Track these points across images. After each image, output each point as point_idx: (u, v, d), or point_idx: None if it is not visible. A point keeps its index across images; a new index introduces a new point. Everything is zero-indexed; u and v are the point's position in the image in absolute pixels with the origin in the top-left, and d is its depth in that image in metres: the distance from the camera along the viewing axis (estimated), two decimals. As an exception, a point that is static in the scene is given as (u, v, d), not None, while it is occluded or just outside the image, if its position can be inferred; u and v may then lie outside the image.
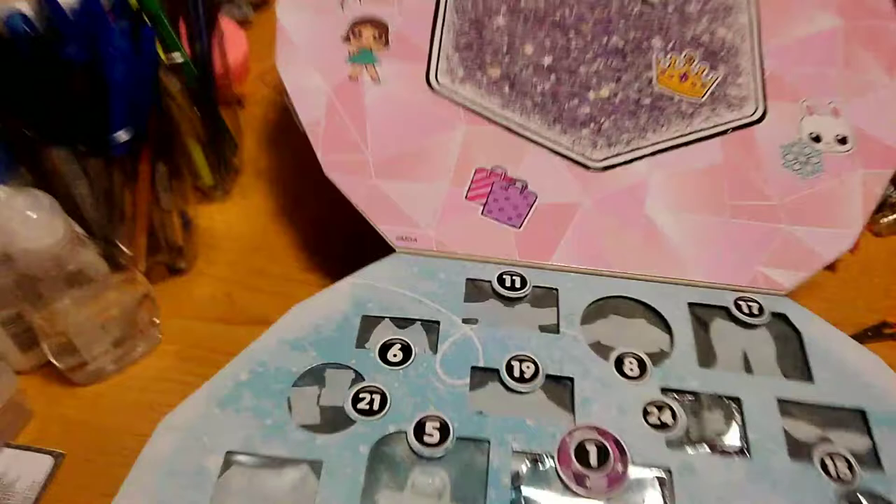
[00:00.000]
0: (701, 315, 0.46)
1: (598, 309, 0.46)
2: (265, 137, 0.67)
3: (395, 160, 0.51)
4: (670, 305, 0.46)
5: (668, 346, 0.45)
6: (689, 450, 0.40)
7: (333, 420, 0.40)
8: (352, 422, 0.40)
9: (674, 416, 0.41)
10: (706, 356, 0.44)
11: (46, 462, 0.45)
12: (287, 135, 0.68)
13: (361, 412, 0.40)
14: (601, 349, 0.44)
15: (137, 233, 0.51)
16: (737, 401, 0.42)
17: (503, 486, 0.38)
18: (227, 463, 0.38)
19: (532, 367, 0.42)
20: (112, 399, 0.48)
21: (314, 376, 0.42)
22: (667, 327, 0.45)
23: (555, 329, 0.45)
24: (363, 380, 0.42)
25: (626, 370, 0.43)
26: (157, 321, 0.51)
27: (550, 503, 0.38)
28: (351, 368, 0.42)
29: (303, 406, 0.41)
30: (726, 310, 0.46)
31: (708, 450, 0.40)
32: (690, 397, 0.42)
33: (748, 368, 0.44)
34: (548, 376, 0.42)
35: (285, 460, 0.38)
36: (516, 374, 0.42)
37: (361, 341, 0.44)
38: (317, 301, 0.45)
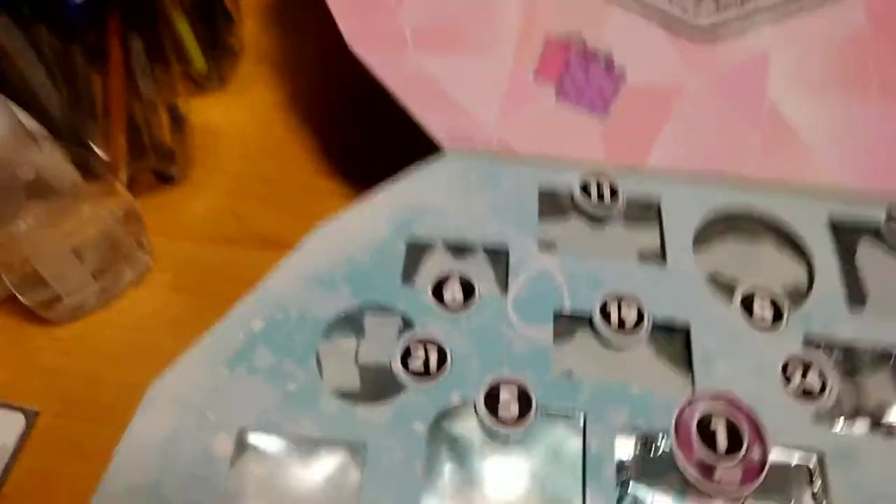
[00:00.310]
0: (843, 237, 0.35)
1: (712, 229, 0.35)
2: (269, 11, 0.54)
3: (440, 27, 0.38)
4: (805, 223, 0.35)
5: (805, 280, 0.34)
6: (845, 427, 0.30)
7: (377, 384, 0.31)
8: (401, 387, 0.30)
9: (822, 379, 0.31)
10: (856, 295, 0.34)
11: (17, 421, 0.36)
12: (297, 6, 0.54)
13: (414, 374, 0.31)
14: (722, 285, 0.33)
15: (114, 131, 0.39)
16: (904, 357, 0.32)
17: (606, 479, 0.29)
18: (240, 445, 0.29)
19: (635, 310, 0.32)
20: (94, 342, 0.38)
21: (350, 323, 0.32)
22: (802, 254, 0.35)
23: (660, 257, 0.34)
24: (413, 327, 0.32)
25: (758, 314, 0.32)
26: (146, 243, 0.40)
27: (672, 501, 0.29)
28: (397, 312, 0.32)
29: (337, 365, 0.31)
30: (876, 230, 0.35)
31: (869, 426, 0.31)
32: (841, 352, 0.32)
33: (909, 310, 0.34)
34: (656, 324, 0.32)
35: (316, 442, 0.29)
36: (614, 320, 0.32)
37: (408, 275, 0.33)
38: (346, 221, 0.34)
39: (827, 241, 0.34)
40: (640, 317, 0.32)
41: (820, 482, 0.29)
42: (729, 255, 0.34)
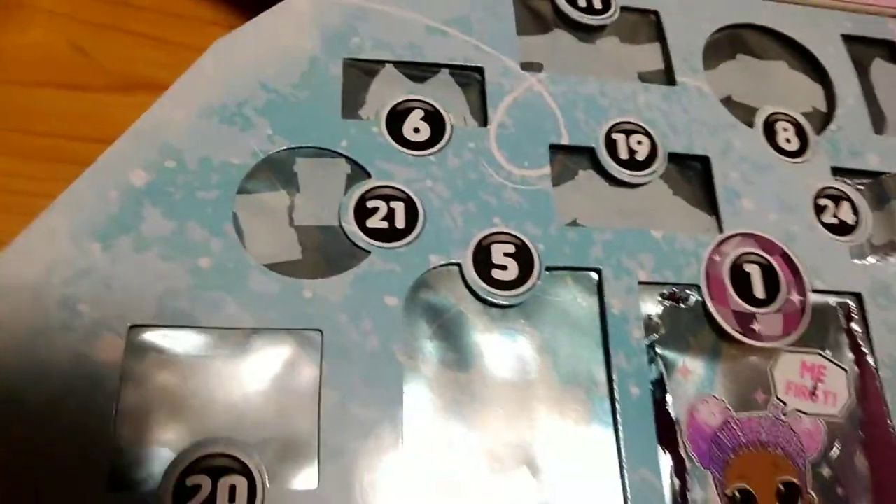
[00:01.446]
0: (856, 54, 0.30)
1: (719, 45, 0.29)
2: None
3: None
4: (818, 38, 0.29)
5: (823, 101, 0.29)
6: (877, 261, 0.26)
7: (326, 251, 0.22)
8: (363, 253, 0.22)
9: (855, 210, 0.26)
10: (875, 116, 0.29)
11: None
12: None
13: (375, 234, 0.22)
14: (738, 108, 0.27)
15: None
16: (936, 183, 0.28)
17: (633, 342, 0.22)
18: (133, 347, 0.20)
19: (646, 141, 0.25)
20: None
21: (275, 172, 0.23)
22: (818, 73, 0.29)
23: (664, 77, 0.27)
24: (367, 175, 0.23)
25: (782, 141, 0.27)
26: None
27: (705, 364, 0.23)
28: (342, 155, 0.23)
29: (264, 228, 0.22)
30: (889, 44, 0.30)
31: (906, 261, 0.26)
32: (866, 180, 0.27)
33: (929, 132, 0.29)
34: (671, 156, 0.25)
35: (248, 334, 0.21)
36: (622, 153, 0.25)
37: (352, 105, 0.24)
38: (255, 35, 0.25)
39: (844, 58, 0.29)
40: (654, 148, 0.25)
41: (860, 322, 0.25)
42: (741, 75, 0.28)
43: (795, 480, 0.22)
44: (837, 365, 0.24)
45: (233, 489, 0.19)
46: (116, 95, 0.31)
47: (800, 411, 0.23)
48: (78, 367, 0.19)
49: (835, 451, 0.23)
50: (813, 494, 0.22)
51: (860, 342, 0.24)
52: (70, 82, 0.31)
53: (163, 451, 0.19)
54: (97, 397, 0.19)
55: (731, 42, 0.29)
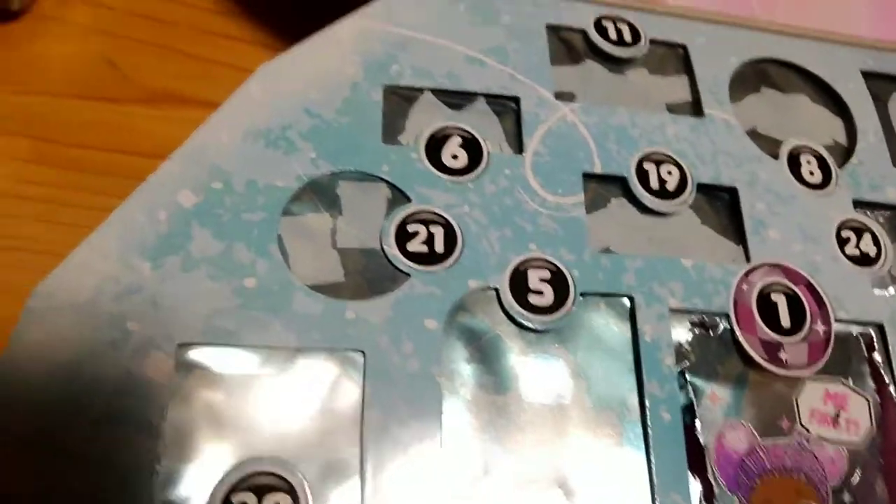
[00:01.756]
0: (875, 89, 0.31)
1: (744, 78, 0.29)
2: None
3: None
4: (840, 74, 0.30)
5: (843, 135, 0.30)
6: (898, 292, 0.27)
7: (368, 274, 0.23)
8: (404, 276, 0.23)
9: (876, 242, 0.27)
10: (893, 151, 0.30)
11: None
12: None
13: (415, 258, 0.23)
14: (762, 140, 0.28)
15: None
16: (953, 217, 0.28)
17: (665, 368, 0.23)
18: (182, 364, 0.20)
19: (675, 171, 0.26)
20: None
21: (319, 195, 0.23)
22: (838, 107, 0.30)
23: (692, 109, 0.28)
24: (407, 199, 0.24)
25: (805, 174, 0.28)
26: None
27: (732, 391, 0.24)
28: (383, 180, 0.24)
29: (308, 250, 0.23)
30: (908, 81, 0.31)
31: (926, 291, 0.27)
32: (887, 213, 0.28)
33: (945, 167, 0.30)
34: (699, 186, 0.26)
35: (292, 353, 0.21)
36: (653, 183, 0.26)
37: (392, 131, 0.25)
38: (299, 60, 0.25)
39: (864, 93, 0.30)
40: (683, 178, 0.26)
41: (882, 352, 0.25)
42: (765, 108, 0.29)
43: (818, 506, 0.23)
44: (860, 393, 0.25)
45: (278, 506, 0.19)
46: (144, 108, 0.32)
47: (823, 438, 0.24)
48: (127, 384, 0.20)
49: (856, 478, 0.24)
50: (835, 520, 0.23)
51: (882, 371, 0.25)
52: (100, 94, 0.32)
53: (208, 470, 0.19)
54: (146, 414, 0.19)
55: (755, 75, 0.30)
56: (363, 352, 0.21)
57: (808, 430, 0.24)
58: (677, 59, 0.29)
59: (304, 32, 0.26)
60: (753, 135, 0.28)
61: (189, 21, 0.34)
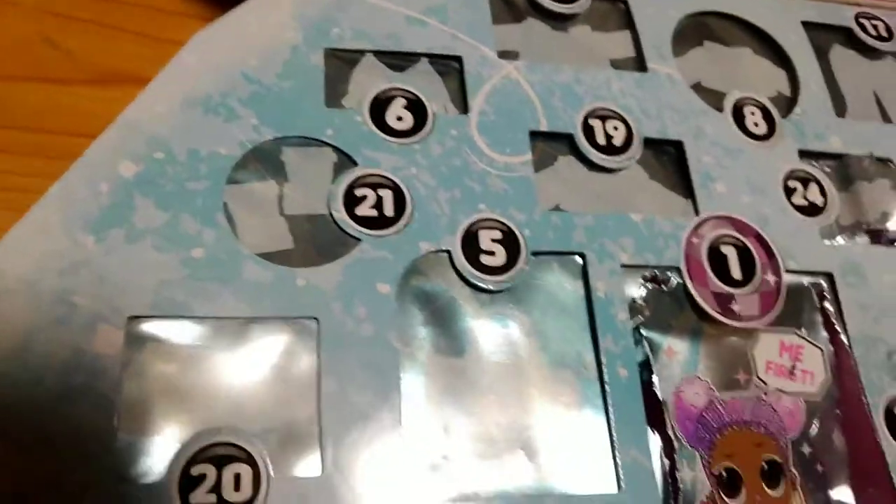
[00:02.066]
0: (816, 40, 0.31)
1: (687, 33, 0.30)
2: None
3: None
4: (781, 25, 0.31)
5: (787, 86, 0.30)
6: (845, 241, 0.27)
7: (317, 240, 0.22)
8: (354, 241, 0.22)
9: (823, 192, 0.28)
10: (836, 101, 0.30)
11: None
12: None
13: (365, 222, 0.23)
14: (707, 94, 0.28)
15: None
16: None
17: (619, 324, 0.23)
18: (132, 338, 0.20)
19: (622, 126, 0.26)
20: None
21: (264, 162, 0.23)
22: (781, 59, 0.30)
23: (636, 64, 0.28)
24: (354, 163, 0.24)
25: (750, 125, 0.28)
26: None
27: (688, 345, 0.24)
28: (328, 144, 0.24)
29: (255, 218, 0.22)
30: (847, 31, 0.32)
31: (870, 239, 0.28)
32: (831, 162, 0.29)
33: (884, 116, 0.31)
34: (646, 141, 0.26)
35: (244, 322, 0.21)
36: (600, 139, 0.26)
37: (335, 95, 0.25)
38: (235, 25, 0.25)
39: (805, 43, 0.30)
40: (630, 134, 0.26)
41: (832, 301, 0.26)
42: (708, 62, 0.29)
43: (778, 458, 0.23)
44: (814, 344, 0.25)
45: (237, 477, 0.19)
46: (93, 89, 0.31)
47: (780, 390, 0.24)
48: (77, 360, 0.19)
49: (814, 429, 0.24)
50: (794, 472, 0.23)
51: (833, 321, 0.26)
52: (44, 76, 0.31)
53: (166, 442, 0.19)
54: (98, 390, 0.19)
55: (697, 29, 0.30)
56: (316, 319, 0.21)
57: (764, 383, 0.24)
58: (619, 14, 0.29)
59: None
60: (698, 88, 0.28)
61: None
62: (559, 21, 0.28)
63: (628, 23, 0.29)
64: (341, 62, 0.25)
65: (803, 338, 0.25)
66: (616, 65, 0.28)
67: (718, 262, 0.25)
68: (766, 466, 0.23)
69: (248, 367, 0.20)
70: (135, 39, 0.32)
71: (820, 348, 0.25)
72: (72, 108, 0.30)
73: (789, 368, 0.25)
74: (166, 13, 0.33)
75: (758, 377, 0.24)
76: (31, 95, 0.30)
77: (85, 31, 0.32)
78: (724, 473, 0.23)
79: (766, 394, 0.24)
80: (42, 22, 0.31)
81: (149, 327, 0.20)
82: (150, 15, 0.33)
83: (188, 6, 0.34)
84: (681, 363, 0.24)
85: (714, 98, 0.28)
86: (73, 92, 0.31)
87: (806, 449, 0.24)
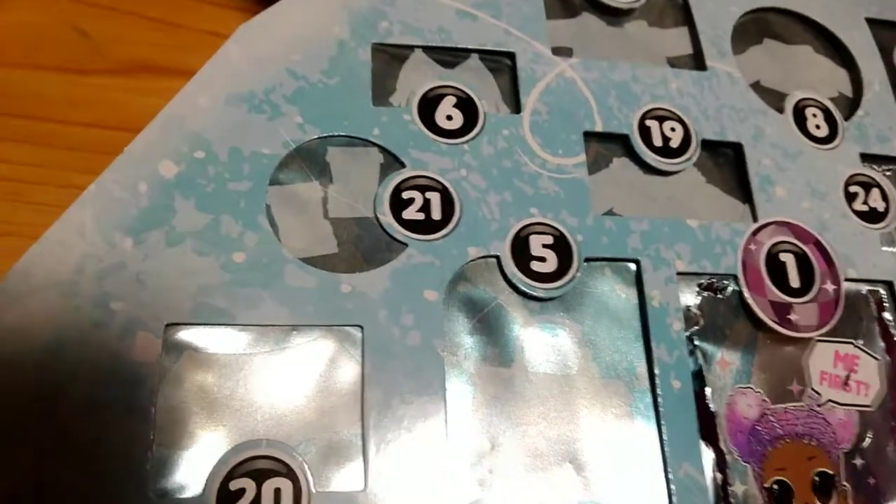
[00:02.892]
0: (881, 37, 0.30)
1: (746, 29, 0.28)
2: None
3: None
4: (844, 22, 0.29)
5: (849, 86, 0.28)
6: (909, 248, 0.26)
7: (362, 244, 0.22)
8: (400, 245, 0.22)
9: (885, 198, 0.26)
10: (900, 101, 0.29)
11: None
12: None
13: (412, 226, 0.22)
14: (767, 94, 0.27)
15: None
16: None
17: (674, 334, 0.22)
18: (171, 345, 0.19)
19: (679, 127, 0.25)
20: None
21: (308, 162, 0.22)
22: (843, 57, 0.29)
23: (693, 62, 0.27)
24: (401, 164, 0.23)
25: (811, 128, 0.27)
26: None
27: (741, 355, 0.23)
28: (374, 144, 0.23)
29: (298, 221, 0.22)
30: (911, 27, 0.30)
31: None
32: (893, 166, 0.27)
33: (952, 117, 0.29)
34: (704, 143, 0.25)
35: (286, 330, 0.20)
36: (656, 140, 0.25)
37: (382, 92, 0.24)
38: (280, 19, 0.24)
39: (869, 41, 0.29)
40: (687, 135, 0.25)
41: (892, 311, 0.25)
42: (768, 60, 0.28)
43: (830, 471, 0.22)
44: (870, 354, 0.24)
45: (278, 492, 0.18)
46: (118, 79, 0.30)
47: (833, 402, 0.23)
48: (113, 368, 0.19)
49: (867, 442, 0.23)
50: (846, 485, 0.22)
51: (892, 331, 0.24)
52: (69, 65, 0.30)
53: (204, 455, 0.19)
54: (136, 399, 0.18)
55: (757, 26, 0.28)
56: (361, 326, 0.20)
57: (818, 394, 0.23)
58: (676, 10, 0.28)
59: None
60: (757, 88, 0.27)
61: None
62: (615, 16, 0.27)
63: (686, 19, 0.27)
64: (389, 58, 0.24)
65: (859, 348, 0.24)
66: (673, 62, 0.27)
67: (776, 269, 0.24)
68: (817, 480, 0.22)
69: (289, 377, 0.20)
70: (158, 27, 0.31)
71: (876, 359, 0.24)
72: (100, 99, 0.30)
73: (844, 379, 0.24)
74: (201, 3, 0.32)
75: (811, 388, 0.23)
76: (59, 85, 0.30)
77: (112, 19, 0.31)
78: (775, 487, 0.22)
79: (819, 405, 0.23)
80: (73, 11, 0.30)
81: (188, 335, 0.19)
82: (174, 3, 0.32)
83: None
84: (734, 374, 0.23)
85: (774, 98, 0.27)
86: (101, 83, 0.30)
87: (858, 461, 0.23)
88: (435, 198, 0.22)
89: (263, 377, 0.20)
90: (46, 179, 0.28)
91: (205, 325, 0.20)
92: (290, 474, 0.19)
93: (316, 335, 0.20)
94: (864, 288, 0.25)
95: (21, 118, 0.28)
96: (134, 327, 0.19)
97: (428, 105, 0.23)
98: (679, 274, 0.23)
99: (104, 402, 0.18)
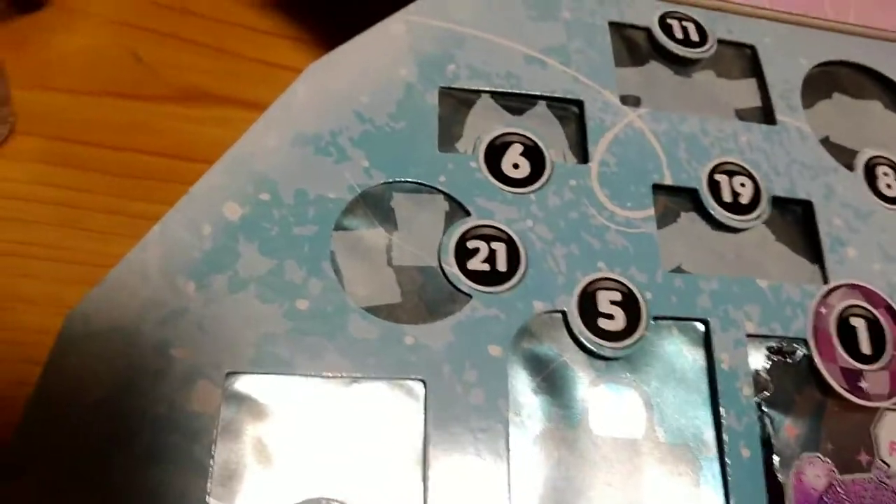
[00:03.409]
0: (950, 94, 0.29)
1: (815, 83, 0.28)
2: None
3: None
4: (915, 78, 0.29)
5: (920, 143, 0.28)
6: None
7: (427, 294, 0.21)
8: (464, 297, 0.21)
9: (958, 261, 0.25)
10: (970, 160, 0.28)
11: None
12: None
13: (476, 277, 0.21)
14: (836, 150, 0.26)
15: None
16: None
17: (743, 399, 0.21)
18: (230, 395, 0.19)
19: (749, 183, 0.24)
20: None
21: (373, 208, 0.22)
22: (914, 113, 0.28)
23: (762, 115, 0.26)
24: (466, 213, 0.22)
25: (882, 187, 0.26)
26: (4, 97, 0.27)
27: (809, 423, 0.22)
28: (440, 191, 0.22)
29: (362, 268, 0.21)
30: (981, 85, 0.30)
31: None
32: (965, 229, 0.26)
33: None
34: (774, 199, 0.24)
35: (347, 382, 0.19)
36: (726, 196, 0.24)
37: (448, 138, 0.23)
38: (348, 59, 0.23)
39: (940, 97, 0.28)
40: (757, 191, 0.24)
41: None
42: (837, 115, 0.27)
43: (898, 545, 0.22)
44: (942, 425, 0.23)
45: (338, 554, 0.18)
46: (171, 106, 0.30)
47: (903, 473, 0.22)
48: (172, 417, 0.18)
49: (937, 515, 0.22)
50: (915, 561, 0.22)
51: (965, 401, 0.24)
52: (124, 91, 0.30)
53: (263, 511, 0.18)
54: (192, 451, 0.18)
55: (826, 79, 0.28)
56: (424, 381, 0.20)
57: (887, 465, 0.22)
58: (745, 60, 0.27)
59: (339, 26, 0.24)
60: (827, 144, 0.26)
61: (215, 14, 0.32)
62: (682, 66, 0.26)
63: (755, 70, 0.27)
64: (456, 102, 0.24)
65: (929, 417, 0.23)
66: (741, 115, 0.26)
67: (847, 334, 0.23)
68: (882, 553, 0.21)
69: (349, 432, 0.19)
70: (214, 55, 0.31)
71: (946, 429, 0.23)
72: (155, 126, 0.29)
73: (914, 451, 0.23)
74: (247, 29, 0.32)
75: (880, 459, 0.22)
76: (115, 111, 0.30)
77: (168, 46, 0.31)
78: (839, 560, 0.21)
79: (888, 477, 0.22)
80: (130, 36, 0.30)
81: (247, 384, 0.19)
82: (230, 31, 0.32)
83: (269, 23, 0.33)
84: (801, 442, 0.22)
85: (844, 155, 0.26)
86: (155, 109, 0.30)
87: (926, 535, 0.22)
88: (500, 248, 0.22)
89: (324, 431, 0.19)
90: (99, 206, 0.27)
91: (266, 373, 0.19)
92: (349, 536, 0.18)
93: (378, 388, 0.19)
94: (937, 356, 0.24)
95: (75, 143, 0.28)
96: (194, 376, 0.18)
97: (494, 152, 0.23)
98: (748, 336, 0.22)
99: (161, 453, 0.18)
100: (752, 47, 0.27)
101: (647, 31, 0.26)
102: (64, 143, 0.28)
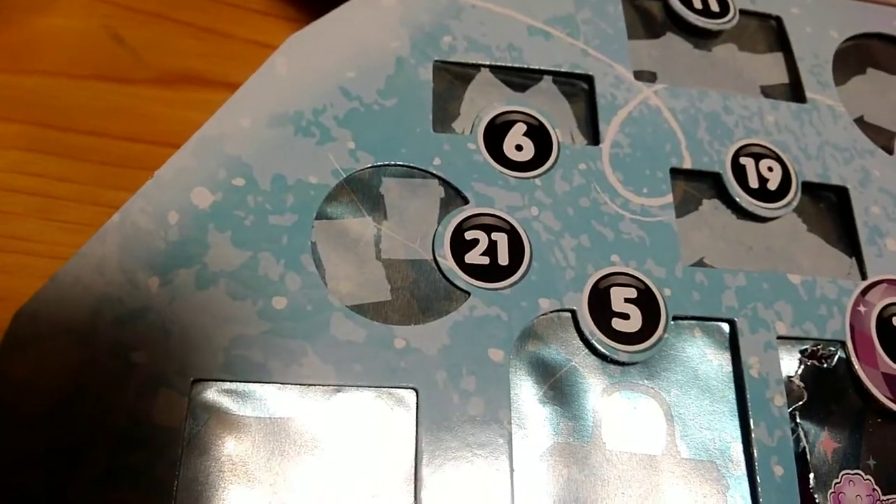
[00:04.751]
0: None
1: (847, 57, 0.25)
2: None
3: None
4: (955, 52, 0.26)
5: (961, 124, 0.25)
6: None
7: (419, 291, 0.19)
8: (462, 294, 0.19)
9: None
10: None
11: None
12: None
13: (475, 272, 0.19)
14: (872, 131, 0.24)
15: None
16: None
17: (775, 410, 0.19)
18: (198, 404, 0.17)
19: (777, 167, 0.22)
20: None
21: (360, 194, 0.19)
22: (954, 91, 0.26)
23: (790, 93, 0.24)
24: (464, 200, 0.20)
25: (924, 172, 0.23)
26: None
27: (848, 436, 0.20)
28: (434, 175, 0.20)
29: (347, 262, 0.19)
30: None
31: None
32: None
33: None
34: (805, 185, 0.22)
35: (330, 391, 0.17)
36: (752, 181, 0.22)
37: (444, 116, 0.21)
38: (334, 31, 0.21)
39: (984, 73, 0.26)
40: (786, 176, 0.22)
41: None
42: (871, 92, 0.25)
43: (947, 571, 0.19)
44: None
45: (317, 587, 0.16)
46: (159, 90, 0.28)
47: (952, 490, 0.20)
48: (132, 432, 0.16)
49: None
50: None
51: None
52: (106, 74, 0.28)
53: (233, 539, 0.16)
54: (155, 470, 0.16)
55: (859, 54, 0.25)
56: (416, 389, 0.17)
57: (935, 481, 0.20)
58: (771, 33, 0.25)
59: (336, 4, 0.22)
60: (861, 124, 0.24)
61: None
62: (702, 38, 0.24)
63: (781, 44, 0.24)
64: (452, 78, 0.21)
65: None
66: (767, 92, 0.24)
67: (889, 335, 0.21)
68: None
69: (332, 447, 0.17)
70: (202, 35, 0.29)
71: None
72: (139, 111, 0.27)
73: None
74: (236, 7, 0.30)
75: (925, 476, 0.20)
76: (97, 95, 0.28)
77: (152, 26, 0.29)
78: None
79: (934, 495, 0.20)
80: (114, 16, 0.28)
81: (216, 393, 0.17)
82: (219, 10, 0.30)
83: (260, 2, 0.31)
84: (840, 458, 0.20)
85: (881, 136, 0.24)
86: (141, 93, 0.28)
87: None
88: (502, 240, 0.19)
89: (304, 446, 0.17)
90: (78, 196, 0.25)
91: (237, 381, 0.17)
92: (330, 565, 0.16)
93: (364, 397, 0.17)
94: (985, 358, 0.22)
95: (54, 129, 0.26)
96: (156, 384, 0.16)
97: (495, 132, 0.21)
98: (779, 338, 0.20)
99: (118, 474, 0.16)
100: (777, 18, 0.25)
101: (664, 0, 0.24)
102: (42, 129, 0.26)
